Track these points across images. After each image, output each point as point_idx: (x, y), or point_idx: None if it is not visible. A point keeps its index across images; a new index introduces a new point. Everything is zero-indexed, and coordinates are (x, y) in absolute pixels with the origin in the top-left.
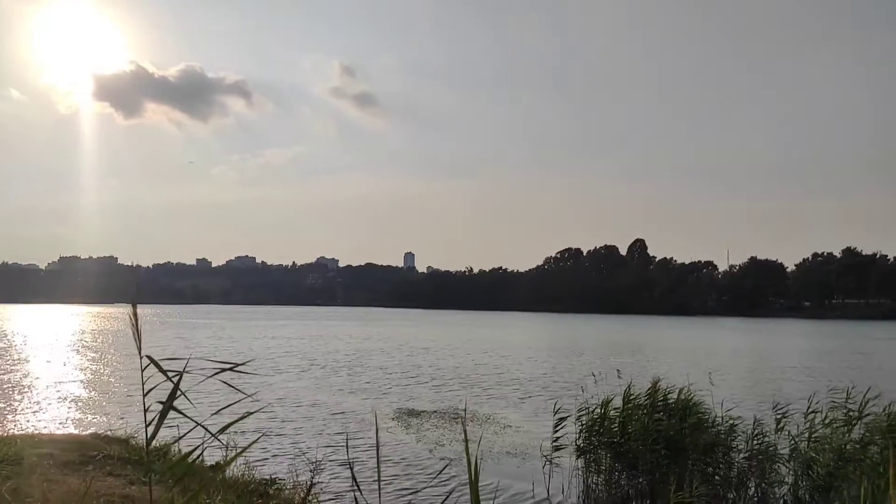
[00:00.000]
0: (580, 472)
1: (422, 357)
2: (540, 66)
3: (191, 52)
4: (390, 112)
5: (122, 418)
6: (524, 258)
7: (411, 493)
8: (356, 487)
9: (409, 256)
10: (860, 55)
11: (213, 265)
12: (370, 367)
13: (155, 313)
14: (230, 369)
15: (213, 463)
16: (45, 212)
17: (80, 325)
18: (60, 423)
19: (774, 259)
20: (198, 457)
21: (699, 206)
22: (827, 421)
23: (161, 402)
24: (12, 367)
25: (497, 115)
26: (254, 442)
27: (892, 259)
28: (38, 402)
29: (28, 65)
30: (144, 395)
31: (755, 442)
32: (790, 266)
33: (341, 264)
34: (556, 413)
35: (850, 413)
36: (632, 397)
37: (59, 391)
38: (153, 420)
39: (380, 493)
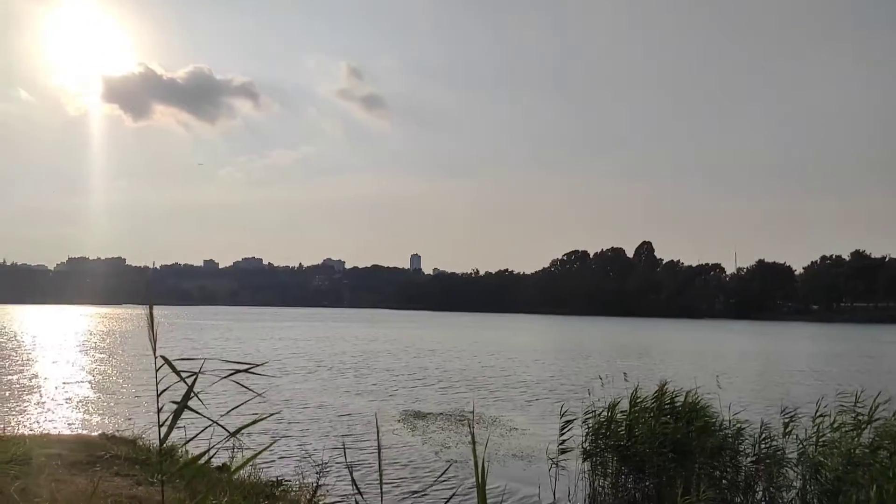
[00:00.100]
0: (587, 476)
1: (428, 359)
2: (540, 66)
3: (199, 54)
4: (394, 113)
5: (130, 419)
6: (529, 259)
7: (417, 496)
8: (356, 491)
9: (416, 258)
10: (860, 55)
11: (220, 266)
12: (377, 368)
13: (162, 314)
14: (246, 371)
15: (220, 464)
16: (54, 213)
17: (88, 325)
18: (69, 424)
19: (782, 262)
20: (209, 458)
21: (701, 206)
22: (836, 425)
23: (175, 402)
24: (21, 368)
25: (497, 115)
26: (268, 446)
27: None
28: (46, 403)
29: (37, 66)
30: (158, 395)
31: (763, 446)
32: (798, 269)
33: (347, 266)
34: (562, 416)
35: (860, 417)
36: (638, 400)
37: (67, 392)
38: (166, 420)
39: (381, 496)
